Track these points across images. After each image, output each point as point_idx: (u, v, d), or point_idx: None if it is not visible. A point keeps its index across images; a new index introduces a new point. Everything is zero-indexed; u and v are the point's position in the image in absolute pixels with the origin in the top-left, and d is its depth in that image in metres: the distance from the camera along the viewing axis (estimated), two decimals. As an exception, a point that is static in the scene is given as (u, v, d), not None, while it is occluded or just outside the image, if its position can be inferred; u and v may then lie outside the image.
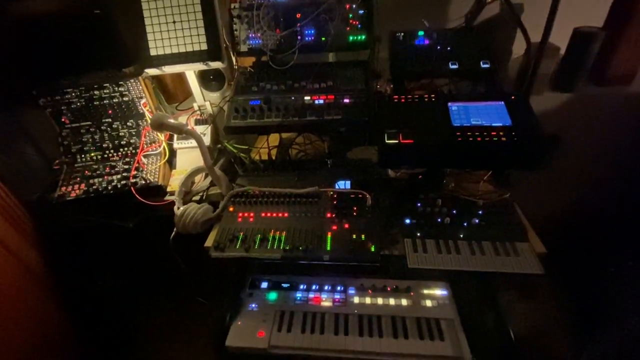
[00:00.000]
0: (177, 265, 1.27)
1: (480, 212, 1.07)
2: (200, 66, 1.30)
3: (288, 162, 1.34)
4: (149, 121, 1.14)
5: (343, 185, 1.20)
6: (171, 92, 1.83)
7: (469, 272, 0.95)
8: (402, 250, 1.00)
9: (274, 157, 1.39)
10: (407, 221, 1.07)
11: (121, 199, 1.27)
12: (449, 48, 1.31)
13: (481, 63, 1.25)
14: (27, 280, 1.24)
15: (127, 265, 1.45)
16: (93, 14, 1.61)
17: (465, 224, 1.04)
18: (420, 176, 1.21)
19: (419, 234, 1.04)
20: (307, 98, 1.24)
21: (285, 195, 1.16)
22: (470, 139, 0.99)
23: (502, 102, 1.09)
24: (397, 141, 1.02)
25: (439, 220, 1.06)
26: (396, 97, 1.15)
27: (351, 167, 1.27)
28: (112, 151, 1.33)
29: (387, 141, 1.03)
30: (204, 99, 1.48)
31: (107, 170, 1.29)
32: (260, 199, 1.17)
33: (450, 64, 1.27)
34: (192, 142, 1.40)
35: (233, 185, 1.25)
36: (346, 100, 1.21)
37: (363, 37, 1.28)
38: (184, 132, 1.12)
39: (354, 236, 1.02)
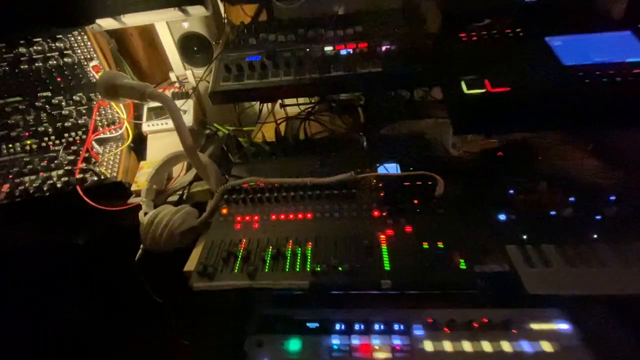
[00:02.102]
0: (149, 297, 0.87)
1: (612, 197, 0.69)
2: (175, 14, 0.92)
3: (303, 142, 0.96)
4: (97, 84, 0.76)
5: (388, 170, 0.81)
6: (144, 70, 1.43)
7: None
8: (508, 263, 0.61)
9: (283, 135, 1.00)
10: (502, 217, 0.68)
11: (65, 205, 0.87)
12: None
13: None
14: None
15: (76, 297, 1.03)
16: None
17: (598, 217, 0.66)
18: (499, 152, 0.83)
19: (525, 237, 0.65)
20: (328, 48, 0.87)
21: (306, 187, 0.77)
22: (604, 79, 0.62)
23: (630, 31, 0.72)
24: (483, 90, 0.64)
25: (553, 212, 0.67)
26: (464, 34, 0.78)
27: (394, 145, 0.89)
28: (52, 137, 0.93)
29: (467, 91, 0.65)
30: (184, 68, 1.09)
31: (45, 164, 0.89)
32: (267, 195, 0.77)
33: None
34: (168, 123, 1.01)
35: (226, 178, 0.86)
36: (385, 47, 0.84)
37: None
38: (147, 96, 0.73)
39: (425, 245, 0.63)
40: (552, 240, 0.64)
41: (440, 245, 0.63)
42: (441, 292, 0.58)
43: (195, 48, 1.22)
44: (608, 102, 0.63)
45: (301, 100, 1.00)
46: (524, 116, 0.66)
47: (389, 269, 0.60)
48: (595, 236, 0.64)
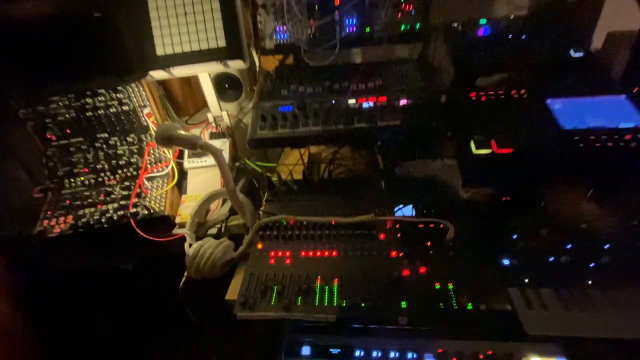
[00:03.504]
0: (188, 318, 0.98)
1: (606, 245, 0.77)
2: (217, 67, 1.06)
3: (328, 181, 1.07)
4: (154, 134, 0.89)
5: (404, 211, 0.91)
6: (180, 104, 1.58)
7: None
8: (510, 304, 0.70)
9: (308, 176, 1.12)
10: (506, 261, 0.77)
11: (119, 234, 1.00)
12: (522, 36, 1.06)
13: (572, 51, 0.98)
14: (5, 347, 0.96)
15: (124, 316, 1.16)
16: (92, 17, 1.39)
17: (592, 265, 0.74)
18: (505, 197, 0.92)
19: (526, 280, 0.74)
20: (351, 101, 0.98)
21: (332, 226, 0.88)
22: (597, 144, 0.71)
23: (624, 96, 0.81)
24: (489, 150, 0.74)
25: (552, 259, 0.76)
26: (473, 94, 0.88)
27: (412, 187, 0.98)
28: (108, 173, 1.07)
29: (475, 151, 0.75)
30: (220, 109, 1.23)
31: (102, 197, 1.03)
32: (297, 233, 0.88)
33: (529, 53, 1.00)
34: (207, 161, 1.14)
35: (259, 214, 0.98)
36: (403, 102, 0.94)
37: (418, 25, 1.03)
38: (198, 147, 0.85)
39: (437, 285, 0.73)
40: (550, 285, 0.72)
41: (450, 286, 0.72)
42: (452, 329, 0.68)
43: (227, 85, 1.36)
44: (601, 165, 0.72)
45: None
46: (525, 175, 0.76)
47: (405, 306, 0.70)
48: (589, 282, 0.72)
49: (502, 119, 0.81)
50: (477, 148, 0.75)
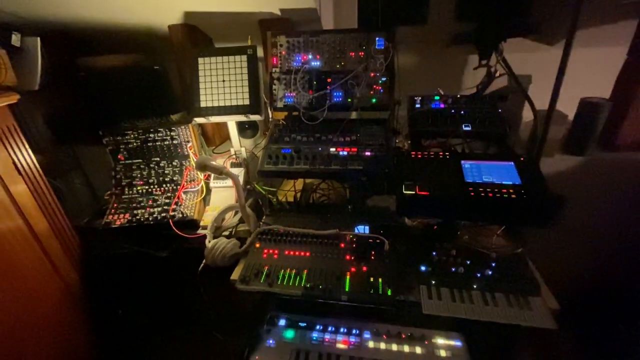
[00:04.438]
0: (200, 297, 1.34)
1: (493, 264, 1.12)
2: (242, 118, 1.50)
3: (312, 205, 1.45)
4: (194, 162, 1.31)
5: (362, 229, 1.28)
6: (209, 136, 2.05)
7: (482, 323, 0.98)
8: (418, 296, 1.05)
9: (298, 200, 1.51)
10: (423, 268, 1.12)
11: (158, 230, 1.40)
12: (462, 112, 1.46)
13: (492, 127, 1.38)
14: (66, 300, 1.34)
15: (153, 293, 1.53)
16: (153, 69, 1.92)
17: (478, 275, 1.09)
18: (435, 226, 1.29)
19: (433, 282, 1.09)
20: (332, 149, 1.38)
21: (308, 235, 1.25)
22: (482, 194, 1.08)
23: (512, 163, 1.19)
24: (414, 192, 1.12)
25: (454, 269, 1.11)
26: (414, 152, 1.27)
27: (370, 213, 1.36)
28: (156, 186, 1.49)
29: (404, 192, 1.13)
30: (240, 145, 1.66)
31: (150, 202, 1.44)
32: (285, 238, 1.26)
33: (463, 126, 1.40)
34: (227, 182, 1.55)
35: (260, 224, 1.36)
36: (368, 153, 1.34)
37: (384, 100, 1.45)
38: (224, 174, 1.27)
39: (372, 279, 1.08)
40: (448, 286, 1.07)
41: (380, 280, 1.07)
42: (375, 307, 1.02)
43: (246, 125, 1.80)
44: (488, 208, 1.09)
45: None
46: (437, 211, 1.13)
47: (347, 290, 1.06)
48: (475, 286, 1.06)
49: (428, 171, 1.19)
50: (405, 190, 1.13)
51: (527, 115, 1.62)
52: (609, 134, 1.71)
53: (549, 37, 1.80)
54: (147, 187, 1.49)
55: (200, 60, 1.46)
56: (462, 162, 1.21)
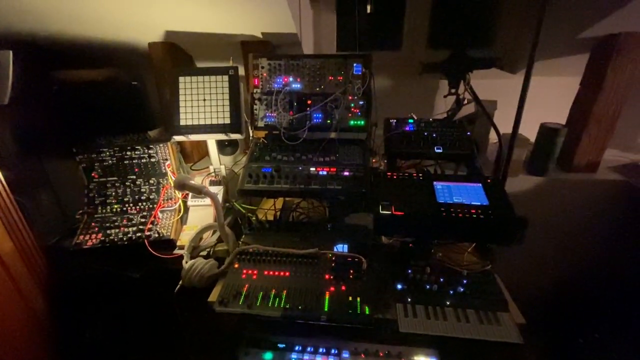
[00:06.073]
0: (176, 320, 1.30)
1: (465, 281, 1.17)
2: (222, 136, 1.51)
3: (292, 223, 1.47)
4: (172, 181, 1.30)
5: (341, 248, 1.31)
6: (187, 153, 2.03)
7: (455, 339, 1.02)
8: (394, 314, 1.08)
9: (278, 218, 1.52)
10: (399, 286, 1.16)
11: (133, 250, 1.36)
12: (434, 135, 1.55)
13: (462, 149, 1.47)
14: (30, 324, 1.26)
15: (126, 316, 1.47)
16: (131, 84, 1.90)
17: (451, 292, 1.14)
18: (410, 244, 1.34)
19: (409, 300, 1.12)
20: (312, 169, 1.42)
21: (288, 255, 1.26)
22: (453, 214, 1.15)
23: (480, 185, 1.27)
24: (390, 212, 1.17)
25: (428, 287, 1.16)
26: (389, 173, 1.33)
27: (349, 232, 1.39)
28: (131, 205, 1.46)
29: (381, 212, 1.17)
30: (219, 163, 1.66)
31: (125, 222, 1.40)
32: (264, 257, 1.26)
33: (435, 148, 1.49)
34: (205, 200, 1.54)
35: (239, 243, 1.36)
36: (346, 173, 1.39)
37: (362, 122, 1.51)
38: (203, 193, 1.26)
39: (350, 298, 1.10)
40: (423, 303, 1.11)
41: (358, 299, 1.10)
42: (354, 326, 1.04)
43: (226, 142, 1.81)
44: (459, 228, 1.15)
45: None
46: (412, 230, 1.18)
47: (326, 310, 1.07)
48: (448, 303, 1.11)
49: (403, 191, 1.25)
50: (382, 210, 1.17)
51: (494, 137, 1.74)
52: (566, 156, 1.86)
53: (511, 66, 1.96)
54: (121, 206, 1.45)
55: (181, 79, 1.47)
56: (435, 183, 1.28)
